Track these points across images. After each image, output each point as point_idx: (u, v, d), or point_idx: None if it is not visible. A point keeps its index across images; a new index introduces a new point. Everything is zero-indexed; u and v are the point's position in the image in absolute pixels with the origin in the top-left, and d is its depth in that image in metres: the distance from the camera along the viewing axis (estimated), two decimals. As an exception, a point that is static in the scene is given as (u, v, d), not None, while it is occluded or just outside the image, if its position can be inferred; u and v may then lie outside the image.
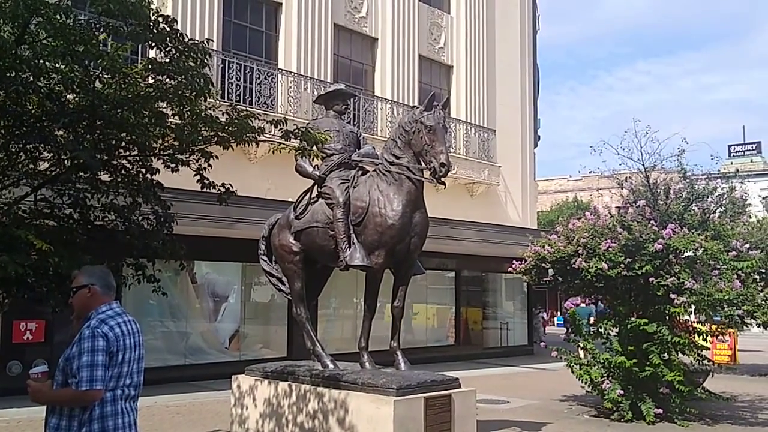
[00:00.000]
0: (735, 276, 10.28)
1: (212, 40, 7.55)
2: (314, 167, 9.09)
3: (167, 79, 6.33)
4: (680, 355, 10.90)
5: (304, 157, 8.73)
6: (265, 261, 9.83)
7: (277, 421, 8.66)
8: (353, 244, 8.31)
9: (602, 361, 10.85)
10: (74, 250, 6.14)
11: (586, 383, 11.05)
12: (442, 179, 7.98)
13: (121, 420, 3.66)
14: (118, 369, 3.65)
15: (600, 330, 11.46)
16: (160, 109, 6.46)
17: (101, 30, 6.08)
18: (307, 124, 8.78)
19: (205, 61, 6.42)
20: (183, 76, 6.19)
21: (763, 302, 10.38)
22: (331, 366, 8.63)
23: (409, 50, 20.32)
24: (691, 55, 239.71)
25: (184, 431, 9.33)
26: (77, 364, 3.53)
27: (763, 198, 29.35)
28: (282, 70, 16.88)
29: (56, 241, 5.80)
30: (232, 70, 15.60)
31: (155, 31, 5.99)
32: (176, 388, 12.83)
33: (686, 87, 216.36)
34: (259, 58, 16.78)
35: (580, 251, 10.77)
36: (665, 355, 10.49)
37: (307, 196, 9.14)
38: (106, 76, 6.25)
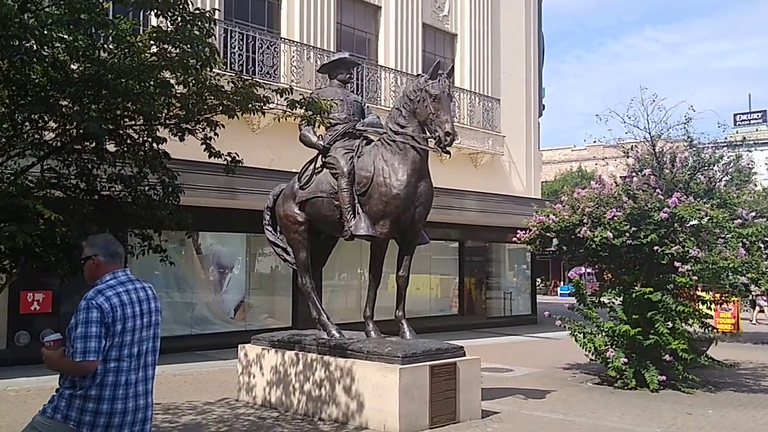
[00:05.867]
0: (740, 244, 10.29)
1: (219, 10, 7.48)
2: (318, 137, 9.07)
3: (172, 48, 6.29)
4: (684, 323, 10.95)
5: (308, 127, 8.71)
6: (270, 231, 9.85)
7: (284, 389, 8.76)
8: (358, 213, 8.32)
9: (606, 329, 10.90)
10: (81, 220, 6.16)
11: (590, 352, 11.11)
12: (447, 148, 7.95)
13: (122, 391, 3.66)
14: (119, 338, 3.65)
15: (604, 299, 11.51)
16: (165, 79, 6.42)
17: (105, -2, 6.03)
18: (311, 93, 8.74)
19: (211, 30, 6.37)
20: (188, 45, 6.14)
21: (767, 270, 10.39)
22: (336, 335, 8.70)
23: (413, 18, 20.10)
24: (699, 22, 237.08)
25: (192, 399, 9.43)
26: (73, 335, 3.57)
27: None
28: (285, 39, 16.74)
29: (63, 211, 5.80)
30: (235, 40, 15.46)
31: (161, -2, 5.93)
32: (183, 357, 12.94)
33: (694, 54, 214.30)
34: (262, 27, 16.62)
35: (584, 220, 10.78)
36: (669, 323, 10.54)
37: (312, 166, 9.14)
38: (110, 45, 6.20)
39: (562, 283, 42.28)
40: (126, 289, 3.76)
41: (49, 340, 3.73)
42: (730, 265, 9.96)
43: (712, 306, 11.73)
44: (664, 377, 10.40)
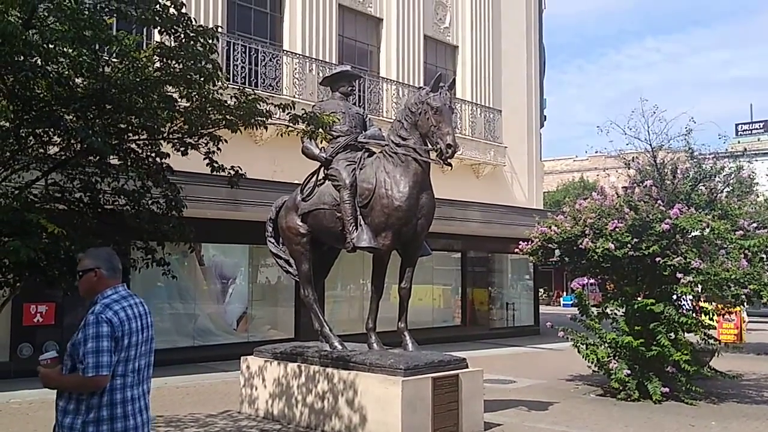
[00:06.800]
0: (742, 255, 10.29)
1: (221, 27, 7.54)
2: (321, 149, 9.10)
3: (175, 64, 6.34)
4: (686, 334, 10.93)
5: (310, 139, 8.76)
6: (273, 243, 9.89)
7: (286, 402, 8.76)
8: (360, 225, 8.35)
9: (609, 341, 10.89)
10: (85, 233, 6.19)
11: (592, 363, 11.10)
12: (449, 160, 7.99)
13: (131, 407, 3.66)
14: (125, 353, 3.65)
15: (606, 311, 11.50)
16: (169, 93, 6.47)
17: (110, 14, 6.09)
18: (313, 105, 8.79)
19: (214, 47, 6.43)
20: (191, 61, 6.19)
21: (770, 282, 10.38)
22: (339, 347, 8.71)
23: (414, 30, 20.19)
24: (701, 32, 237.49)
25: (194, 411, 9.43)
26: (83, 350, 3.53)
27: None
28: (287, 51, 16.82)
29: (67, 225, 5.84)
30: (237, 52, 15.53)
31: (164, 15, 5.98)
32: (185, 369, 12.94)
33: (695, 64, 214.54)
34: (264, 39, 16.70)
35: (586, 232, 10.80)
36: (672, 334, 10.53)
37: (314, 178, 9.17)
38: (114, 60, 6.26)
39: (565, 293, 42.21)
40: (129, 304, 3.76)
41: (46, 358, 3.72)
42: (732, 277, 9.96)
43: (715, 317, 11.70)
44: (667, 389, 10.39)
